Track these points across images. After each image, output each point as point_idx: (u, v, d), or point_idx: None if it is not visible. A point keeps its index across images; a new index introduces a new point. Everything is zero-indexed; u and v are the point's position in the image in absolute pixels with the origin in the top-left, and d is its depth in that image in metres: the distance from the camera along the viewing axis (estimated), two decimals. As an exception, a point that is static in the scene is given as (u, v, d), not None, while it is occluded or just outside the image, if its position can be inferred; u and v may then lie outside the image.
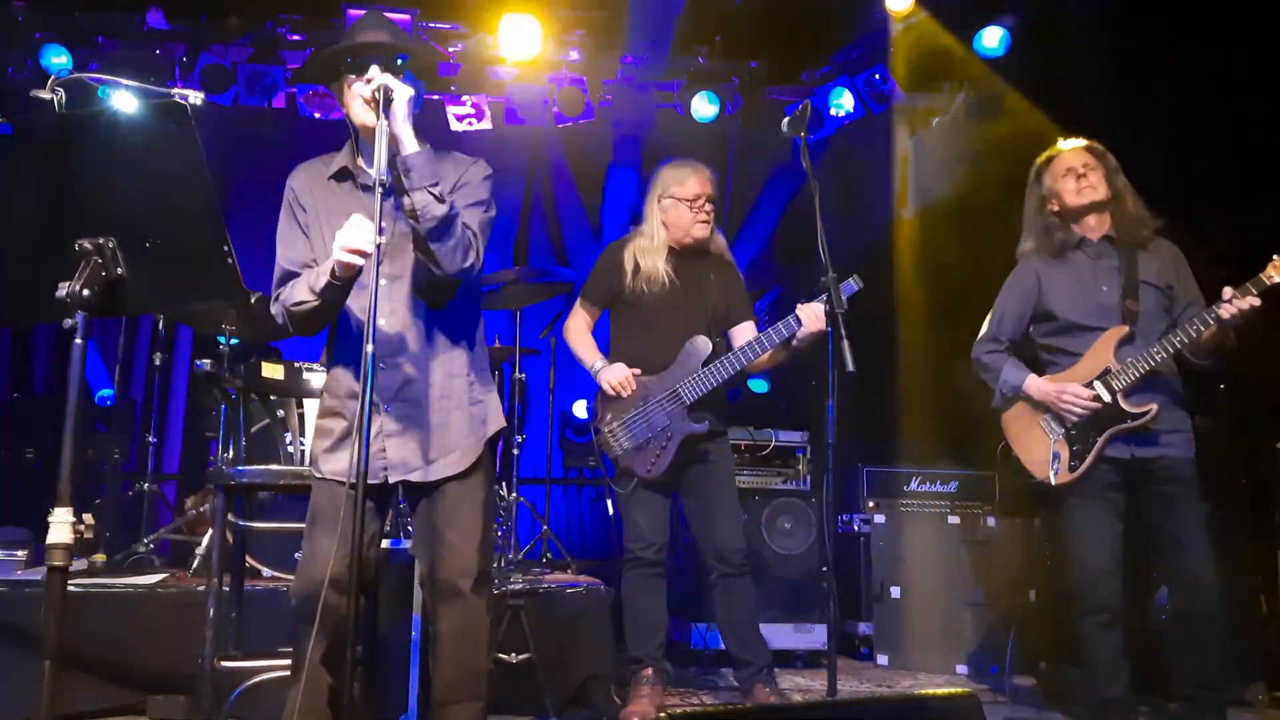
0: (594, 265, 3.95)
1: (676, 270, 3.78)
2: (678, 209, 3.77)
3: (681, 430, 3.68)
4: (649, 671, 3.72)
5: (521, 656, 3.73)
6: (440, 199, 2.44)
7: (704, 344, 3.71)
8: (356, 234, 2.36)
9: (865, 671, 4.93)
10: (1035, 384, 3.49)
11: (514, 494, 5.02)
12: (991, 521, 5.05)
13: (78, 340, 2.00)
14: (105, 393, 6.21)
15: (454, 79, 6.40)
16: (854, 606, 5.23)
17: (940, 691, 1.62)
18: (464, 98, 6.41)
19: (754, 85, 6.58)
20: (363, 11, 5.69)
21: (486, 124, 6.47)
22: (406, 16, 5.84)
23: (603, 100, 6.57)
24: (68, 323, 2.00)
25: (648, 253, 3.77)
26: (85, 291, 1.99)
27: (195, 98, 1.91)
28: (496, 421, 2.70)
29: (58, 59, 5.79)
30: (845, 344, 2.92)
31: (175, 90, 1.94)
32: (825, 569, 5.09)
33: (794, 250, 6.41)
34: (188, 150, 2.00)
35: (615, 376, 3.72)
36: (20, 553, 4.44)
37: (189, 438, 6.12)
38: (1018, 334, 3.64)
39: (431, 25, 6.18)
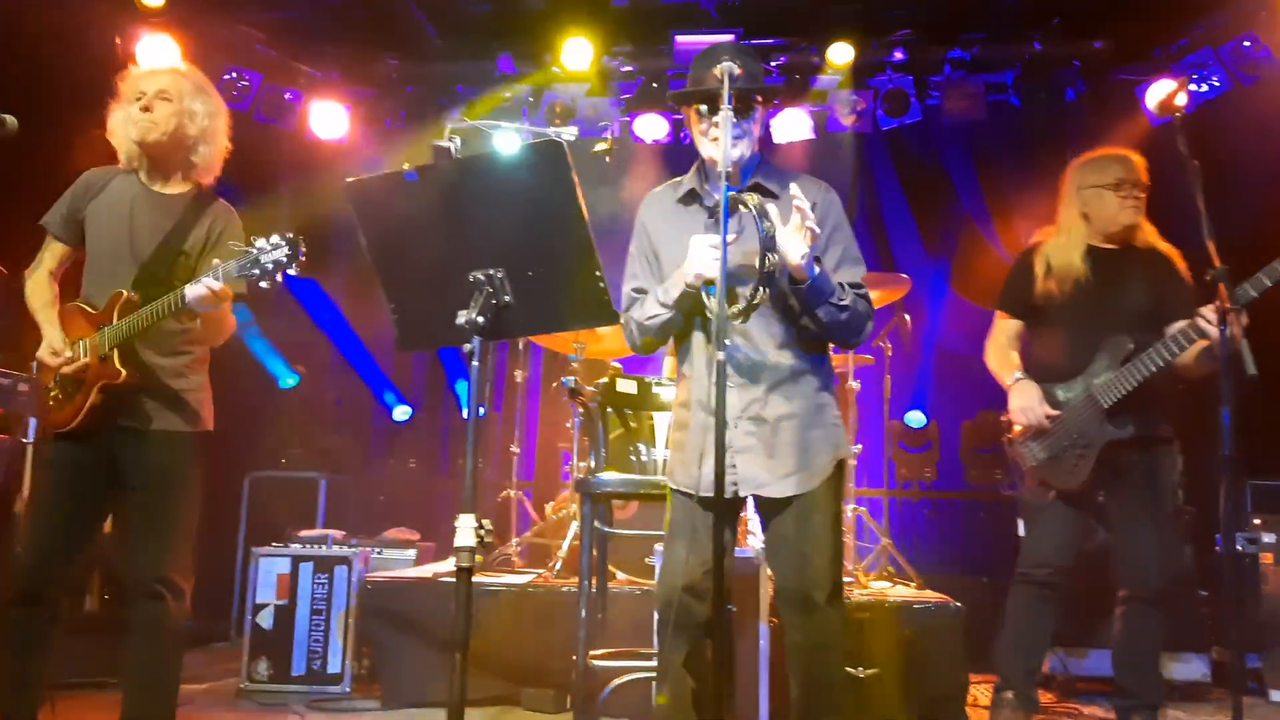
0: (1007, 275, 3.76)
1: (1094, 267, 3.50)
2: (1101, 197, 3.50)
3: (1101, 437, 3.39)
4: (1010, 694, 3.53)
5: (869, 671, 3.67)
6: (840, 305, 2.51)
7: (1123, 342, 3.39)
8: (699, 261, 2.44)
9: (1256, 708, 4.43)
10: None
11: (851, 504, 4.96)
12: None
13: (475, 364, 2.21)
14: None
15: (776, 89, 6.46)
16: (1239, 635, 4.67)
17: None
18: (785, 110, 6.44)
19: (1098, 67, 6.09)
20: (691, 39, 5.90)
21: (809, 133, 6.47)
22: (730, 36, 5.97)
23: (929, 98, 6.38)
24: (466, 347, 2.21)
25: (1062, 250, 3.53)
26: (480, 319, 2.20)
27: (569, 134, 2.05)
28: (844, 449, 2.68)
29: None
30: (1244, 344, 2.62)
31: (550, 129, 2.10)
32: (1203, 593, 4.65)
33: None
34: (564, 184, 2.15)
35: (1025, 405, 3.48)
36: (410, 551, 5.00)
37: (542, 447, 6.59)
38: None
39: (754, 42, 6.27)
